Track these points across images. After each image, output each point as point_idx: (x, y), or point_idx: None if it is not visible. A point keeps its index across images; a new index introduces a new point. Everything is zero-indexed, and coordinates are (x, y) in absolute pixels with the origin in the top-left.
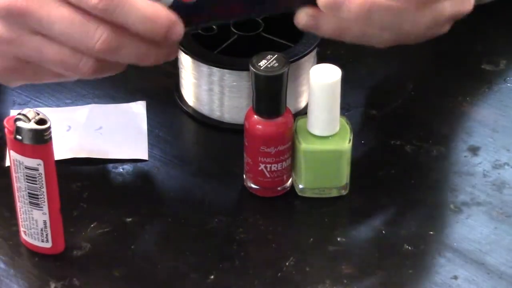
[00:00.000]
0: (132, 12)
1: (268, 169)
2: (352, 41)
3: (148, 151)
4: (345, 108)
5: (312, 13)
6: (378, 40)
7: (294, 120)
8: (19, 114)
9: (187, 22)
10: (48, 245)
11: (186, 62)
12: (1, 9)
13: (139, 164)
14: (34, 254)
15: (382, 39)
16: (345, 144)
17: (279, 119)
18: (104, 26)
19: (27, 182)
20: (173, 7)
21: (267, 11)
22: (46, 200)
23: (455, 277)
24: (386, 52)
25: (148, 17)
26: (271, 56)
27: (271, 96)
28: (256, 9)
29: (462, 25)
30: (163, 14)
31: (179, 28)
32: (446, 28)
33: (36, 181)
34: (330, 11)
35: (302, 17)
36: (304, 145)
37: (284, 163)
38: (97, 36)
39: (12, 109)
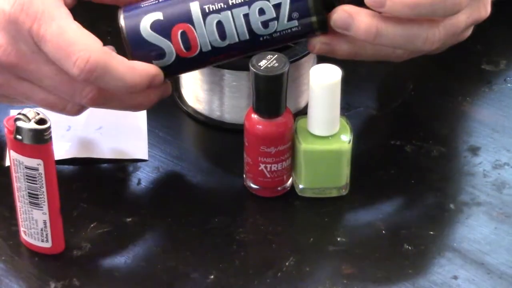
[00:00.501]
0: (113, 81)
1: (268, 169)
2: (369, 59)
3: (148, 151)
4: (345, 108)
5: (325, 40)
6: (393, 56)
7: (294, 120)
8: (19, 114)
9: (184, 72)
10: (48, 245)
11: None
12: None
13: (139, 164)
14: (34, 254)
15: (397, 55)
16: (345, 144)
17: (279, 119)
18: (91, 86)
19: (27, 182)
20: (173, 65)
21: (268, 49)
22: (46, 200)
23: (455, 277)
24: None
25: (128, 83)
26: (271, 56)
27: (271, 96)
28: (256, 50)
29: None
30: (143, 74)
31: (160, 77)
32: (465, 36)
33: (36, 181)
34: (341, 31)
35: (316, 45)
36: (304, 145)
37: (284, 163)
38: (85, 94)
39: (12, 109)
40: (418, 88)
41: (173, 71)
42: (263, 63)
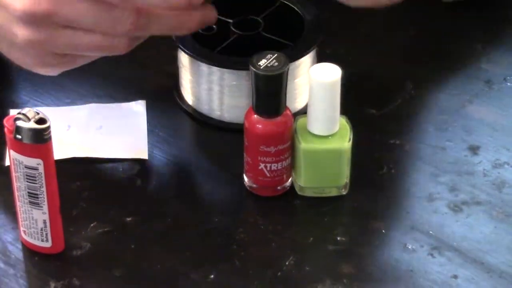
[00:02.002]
0: None
1: (268, 168)
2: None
3: (148, 151)
4: (345, 108)
5: None
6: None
7: (294, 119)
8: (18, 113)
9: None
10: (48, 244)
11: (185, 61)
12: (27, 14)
13: (139, 163)
14: (34, 254)
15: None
16: (345, 144)
17: (279, 119)
18: (129, 9)
19: (27, 181)
20: None
21: None
22: (46, 199)
23: (455, 277)
24: (386, 52)
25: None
26: (271, 55)
27: (271, 96)
28: None
29: (462, 25)
30: None
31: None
32: None
33: (36, 180)
34: None
35: None
36: (304, 145)
37: (284, 162)
38: (125, 20)
39: (11, 108)
40: (418, 88)
41: None
42: (263, 62)
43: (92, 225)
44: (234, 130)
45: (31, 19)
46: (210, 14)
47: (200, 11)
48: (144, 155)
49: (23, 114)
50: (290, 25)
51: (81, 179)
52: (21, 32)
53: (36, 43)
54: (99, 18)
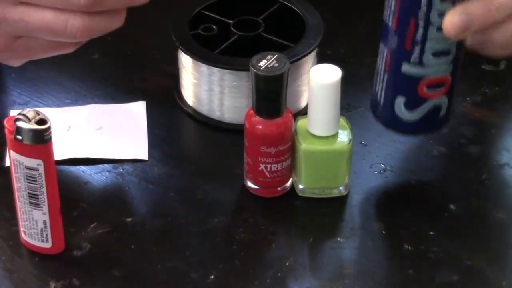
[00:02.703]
0: None
1: (268, 169)
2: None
3: (148, 151)
4: (345, 108)
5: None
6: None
7: (294, 120)
8: (19, 114)
9: None
10: (48, 245)
11: (186, 62)
12: None
13: (139, 164)
14: (34, 254)
15: None
16: (345, 144)
17: (279, 119)
18: None
19: (27, 182)
20: None
21: None
22: (46, 200)
23: (455, 277)
24: None
25: None
26: (271, 56)
27: (271, 96)
28: None
29: None
30: None
31: None
32: None
33: (36, 181)
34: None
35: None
36: (304, 145)
37: (284, 163)
38: None
39: (12, 109)
40: None
41: None
42: (263, 63)
43: (92, 225)
44: (235, 131)
45: None
46: None
47: None
48: (144, 156)
49: (24, 115)
50: (291, 26)
51: (81, 180)
52: None
53: None
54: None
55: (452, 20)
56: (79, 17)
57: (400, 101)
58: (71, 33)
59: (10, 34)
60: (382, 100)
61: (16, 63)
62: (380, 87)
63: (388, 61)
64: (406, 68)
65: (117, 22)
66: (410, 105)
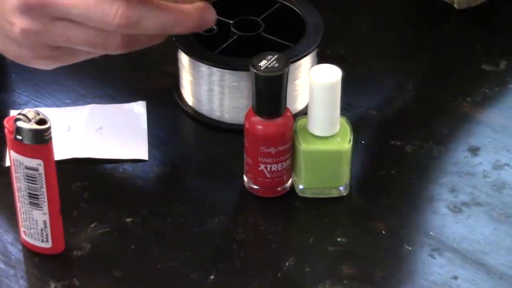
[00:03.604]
0: (152, 21)
1: (268, 169)
2: None
3: (148, 151)
4: (345, 108)
5: None
6: None
7: (294, 120)
8: (19, 114)
9: None
10: (48, 245)
11: (186, 62)
12: (21, 4)
13: (139, 164)
14: (34, 254)
15: None
16: (345, 144)
17: (279, 119)
18: (119, 1)
19: (27, 182)
20: None
21: None
22: (46, 200)
23: (455, 277)
24: (386, 53)
25: (168, 22)
26: (271, 56)
27: (271, 96)
28: None
29: (462, 25)
30: (187, 12)
31: (212, 15)
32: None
33: (36, 181)
34: None
35: None
36: (304, 146)
37: (284, 163)
38: (113, 12)
39: (12, 109)
40: (418, 88)
41: None
42: (263, 63)
43: (92, 225)
44: (234, 131)
45: (26, 8)
46: (209, 14)
47: (197, 9)
48: (144, 156)
49: (24, 115)
50: (291, 26)
51: (82, 180)
52: (17, 22)
53: (31, 34)
54: (87, 9)
55: None
56: (119, 34)
57: None
58: (111, 49)
59: (51, 45)
60: None
61: (52, 67)
62: None
63: None
64: None
65: (157, 38)
66: None
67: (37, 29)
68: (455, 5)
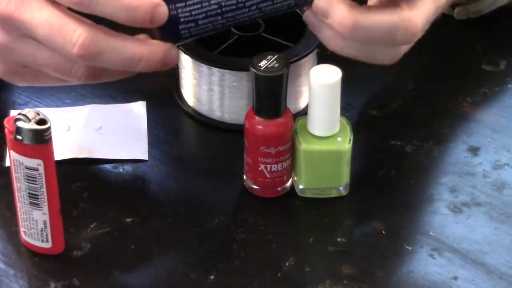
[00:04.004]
0: (110, 2)
1: (268, 169)
2: (352, 57)
3: (148, 151)
4: (345, 108)
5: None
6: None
7: (294, 120)
8: (19, 114)
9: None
10: (48, 245)
11: (186, 62)
12: None
13: (139, 164)
14: (34, 254)
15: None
16: (345, 144)
17: (279, 119)
18: (82, 29)
19: (27, 182)
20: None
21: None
22: (46, 200)
23: (455, 277)
24: None
25: (127, 4)
26: (271, 56)
27: (271, 97)
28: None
29: (462, 25)
30: (149, 48)
31: (163, 9)
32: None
33: (36, 181)
34: (320, 17)
35: (308, 14)
36: (304, 145)
37: (284, 163)
38: (74, 40)
39: (12, 109)
40: (418, 88)
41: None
42: (263, 63)
43: (92, 225)
44: (235, 131)
45: (1, 21)
46: (173, 54)
47: (162, 46)
48: (144, 156)
49: (24, 115)
50: (291, 26)
51: (81, 180)
52: None
53: (3, 48)
54: (51, 32)
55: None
56: (82, 63)
57: None
58: (75, 77)
59: (18, 62)
60: None
61: (20, 84)
62: None
63: None
64: None
65: (126, 72)
66: None
67: (6, 43)
68: (455, 15)
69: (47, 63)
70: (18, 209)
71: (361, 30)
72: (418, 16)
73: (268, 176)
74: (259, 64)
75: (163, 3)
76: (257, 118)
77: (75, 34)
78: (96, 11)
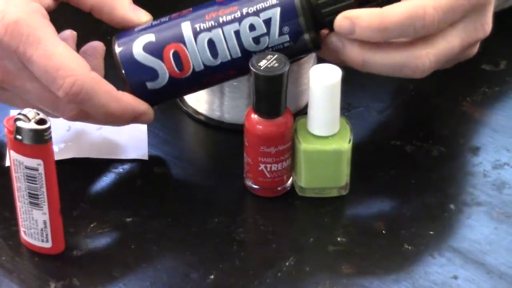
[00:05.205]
0: (96, 107)
1: (268, 169)
2: (378, 72)
3: (148, 151)
4: (345, 108)
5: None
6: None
7: (294, 120)
8: (19, 114)
9: (180, 94)
10: (48, 245)
11: None
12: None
13: (139, 164)
14: (34, 254)
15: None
16: (345, 144)
17: (279, 119)
18: (73, 76)
19: (27, 182)
20: (167, 86)
21: None
22: (46, 200)
23: (455, 277)
24: None
25: (110, 113)
26: (271, 56)
27: (271, 96)
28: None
29: None
30: (128, 108)
31: (147, 117)
32: (471, 54)
33: (36, 181)
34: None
35: (331, 39)
36: (304, 145)
37: (284, 163)
38: (67, 112)
39: (12, 109)
40: (418, 88)
41: (167, 94)
42: (263, 63)
43: (92, 225)
44: (235, 131)
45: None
46: (147, 117)
47: (138, 108)
48: (144, 156)
49: (24, 115)
50: None
51: (81, 180)
52: None
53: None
54: (44, 100)
55: (339, 22)
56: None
57: None
58: (63, 115)
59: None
60: None
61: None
62: None
63: None
64: None
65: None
66: None
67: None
68: None
69: (35, 94)
70: (18, 209)
71: (370, 66)
72: (429, 54)
73: (268, 176)
74: (259, 64)
75: (149, 110)
76: (257, 118)
77: (64, 77)
78: (84, 108)
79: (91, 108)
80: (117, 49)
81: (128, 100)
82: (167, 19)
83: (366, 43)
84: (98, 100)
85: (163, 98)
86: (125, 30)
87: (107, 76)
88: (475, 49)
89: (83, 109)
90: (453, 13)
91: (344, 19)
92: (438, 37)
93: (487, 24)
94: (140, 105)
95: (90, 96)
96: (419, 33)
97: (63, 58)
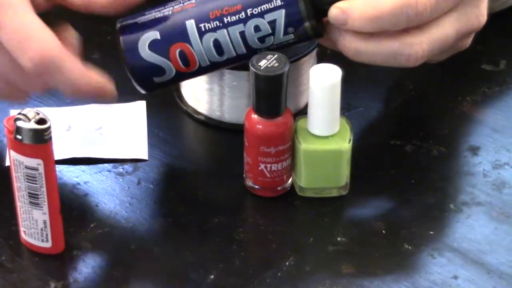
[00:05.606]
0: (63, 82)
1: (268, 169)
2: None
3: (148, 151)
4: (345, 108)
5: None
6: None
7: (294, 120)
8: (19, 113)
9: (188, 79)
10: (48, 245)
11: None
12: None
13: (139, 164)
14: (34, 254)
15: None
16: (345, 144)
17: (279, 119)
18: (44, 44)
19: (27, 182)
20: (174, 78)
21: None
22: (46, 200)
23: (455, 277)
24: None
25: (77, 88)
26: (271, 56)
27: (271, 96)
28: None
29: None
30: (96, 85)
31: (111, 94)
32: (465, 45)
33: (36, 181)
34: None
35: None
36: (304, 145)
37: (284, 163)
38: (34, 86)
39: (12, 109)
40: (418, 88)
41: (172, 82)
42: (263, 63)
43: (92, 225)
44: (234, 131)
45: None
46: (107, 90)
47: (99, 82)
48: (144, 156)
49: (24, 115)
50: None
51: (81, 180)
52: None
53: None
54: (11, 73)
55: (332, 13)
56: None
57: None
58: (15, 100)
59: None
60: None
61: None
62: None
63: None
64: None
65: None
66: None
67: None
68: None
69: (3, 63)
70: (18, 209)
71: (362, 55)
72: (423, 42)
73: (268, 175)
74: (259, 64)
75: (111, 85)
76: (257, 118)
77: (34, 84)
78: (49, 82)
79: (59, 82)
80: (123, 45)
81: (96, 78)
82: (170, 12)
83: (360, 32)
84: (67, 73)
85: (167, 86)
86: (126, 19)
87: (112, 69)
88: (469, 40)
89: (49, 82)
90: (445, 0)
91: (337, 9)
92: (431, 25)
93: (481, 15)
94: (107, 84)
95: (58, 68)
96: (412, 22)
97: (35, 29)
